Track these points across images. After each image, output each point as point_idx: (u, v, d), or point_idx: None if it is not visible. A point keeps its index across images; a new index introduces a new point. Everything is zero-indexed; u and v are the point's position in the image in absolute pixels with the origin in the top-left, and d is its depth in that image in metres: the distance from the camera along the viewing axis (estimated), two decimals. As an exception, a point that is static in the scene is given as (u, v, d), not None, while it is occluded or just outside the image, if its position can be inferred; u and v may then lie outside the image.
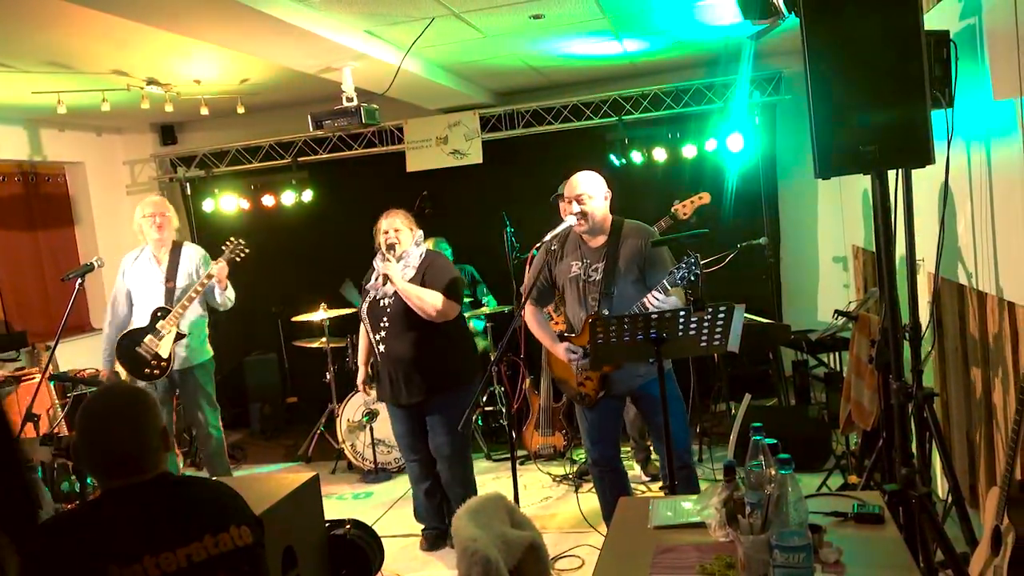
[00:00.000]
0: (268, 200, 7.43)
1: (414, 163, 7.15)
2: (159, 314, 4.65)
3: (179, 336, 4.63)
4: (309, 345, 6.38)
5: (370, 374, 4.24)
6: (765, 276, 6.34)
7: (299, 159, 7.42)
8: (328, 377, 6.18)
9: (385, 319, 3.95)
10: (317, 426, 6.44)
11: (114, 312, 4.82)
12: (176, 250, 4.86)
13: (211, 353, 4.98)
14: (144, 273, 4.79)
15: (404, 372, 3.95)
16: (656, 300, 3.26)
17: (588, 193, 3.52)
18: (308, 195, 7.36)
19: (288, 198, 7.37)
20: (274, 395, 7.44)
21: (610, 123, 6.74)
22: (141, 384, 4.56)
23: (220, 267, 4.74)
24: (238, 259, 4.88)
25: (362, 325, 4.13)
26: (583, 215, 3.46)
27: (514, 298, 5.46)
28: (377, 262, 4.02)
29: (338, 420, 5.89)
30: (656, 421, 3.55)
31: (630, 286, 3.45)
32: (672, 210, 5.16)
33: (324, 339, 6.19)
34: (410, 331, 3.91)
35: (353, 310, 6.22)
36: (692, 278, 3.13)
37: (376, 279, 3.98)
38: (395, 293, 3.91)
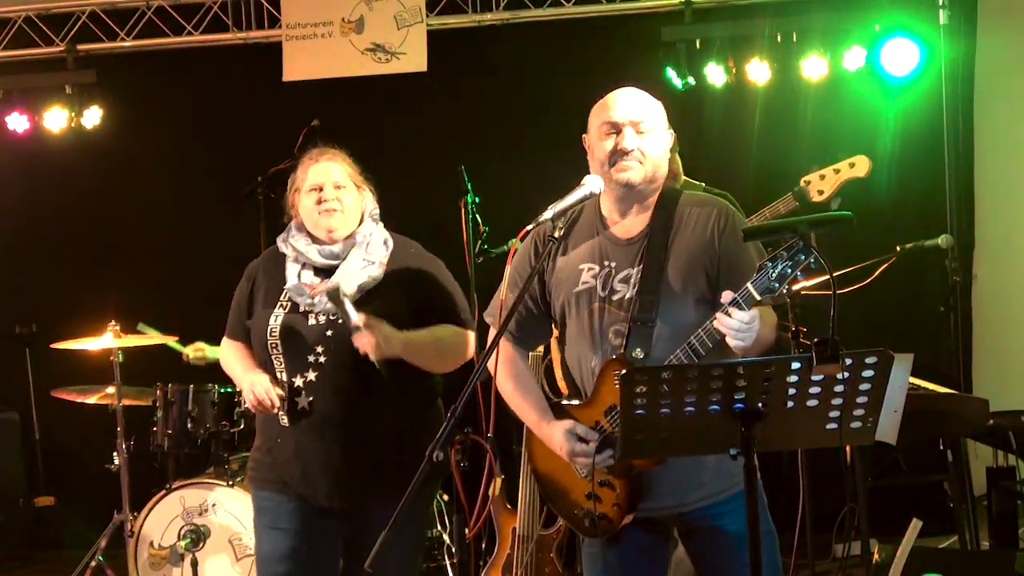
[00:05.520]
0: (18, 122, 7.43)
1: (298, 66, 7.14)
2: None
3: None
4: (82, 399, 6.35)
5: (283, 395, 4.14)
6: (944, 308, 6.38)
7: (81, 47, 7.42)
8: (117, 461, 6.12)
9: (320, 351, 3.94)
10: (92, 552, 6.37)
11: None
12: None
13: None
14: None
15: (340, 451, 3.94)
16: (734, 322, 3.23)
17: (648, 121, 3.51)
18: (95, 116, 7.36)
19: (56, 119, 7.35)
20: (10, 491, 7.40)
21: (669, 8, 6.79)
22: None
23: None
24: None
25: (241, 360, 4.11)
26: (641, 155, 3.49)
27: (475, 326, 5.45)
28: (293, 244, 4.06)
29: (132, 544, 5.86)
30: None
31: (689, 309, 3.45)
32: (799, 185, 5.18)
33: (112, 388, 6.16)
34: (363, 377, 3.90)
35: (166, 340, 6.16)
36: (800, 275, 3.10)
37: (298, 277, 4.02)
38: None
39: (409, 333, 3.88)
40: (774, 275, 3.07)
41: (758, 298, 3.13)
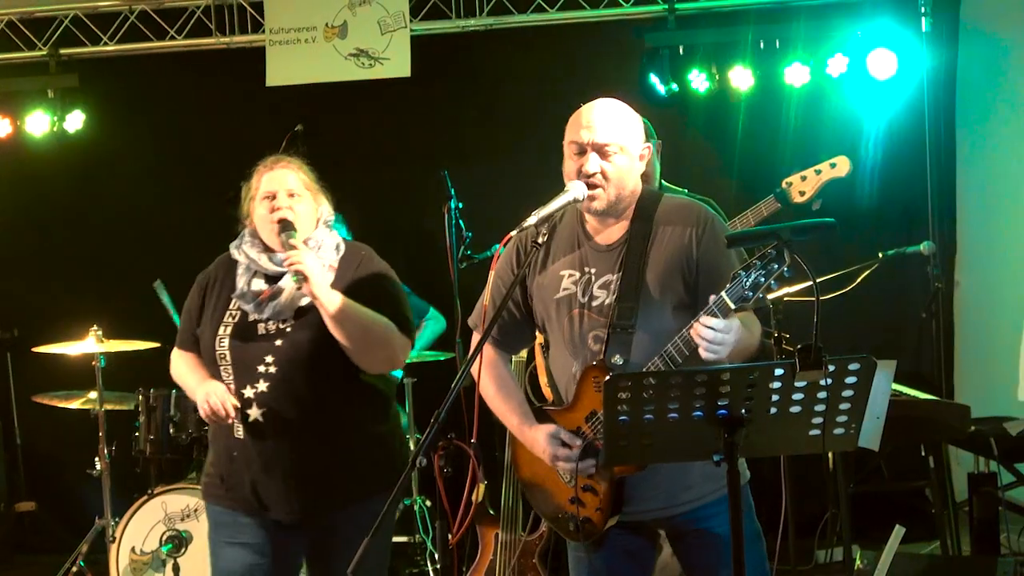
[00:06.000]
0: None
1: (281, 71, 7.13)
2: None
3: None
4: (63, 405, 6.33)
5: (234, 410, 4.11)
6: (926, 314, 6.39)
7: (63, 51, 7.41)
8: (99, 467, 6.10)
9: (270, 361, 3.90)
10: (73, 558, 6.35)
11: None
12: None
13: None
14: None
15: (295, 461, 3.90)
16: (707, 332, 3.23)
17: (618, 141, 3.49)
18: (77, 120, 7.33)
19: (38, 123, 7.33)
20: (-8, 496, 7.36)
21: (653, 15, 6.80)
22: None
23: None
24: None
25: (194, 372, 4.03)
26: (603, 180, 3.47)
27: (458, 333, 5.45)
28: (246, 251, 4.00)
29: (113, 549, 5.85)
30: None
31: (668, 315, 3.44)
32: (781, 187, 5.17)
33: (94, 394, 6.13)
34: (316, 387, 3.89)
35: (148, 345, 6.15)
36: (774, 284, 3.09)
37: (248, 285, 4.01)
38: (299, 313, 3.90)
39: (339, 294, 3.82)
40: (748, 284, 3.06)
41: (732, 307, 3.12)
